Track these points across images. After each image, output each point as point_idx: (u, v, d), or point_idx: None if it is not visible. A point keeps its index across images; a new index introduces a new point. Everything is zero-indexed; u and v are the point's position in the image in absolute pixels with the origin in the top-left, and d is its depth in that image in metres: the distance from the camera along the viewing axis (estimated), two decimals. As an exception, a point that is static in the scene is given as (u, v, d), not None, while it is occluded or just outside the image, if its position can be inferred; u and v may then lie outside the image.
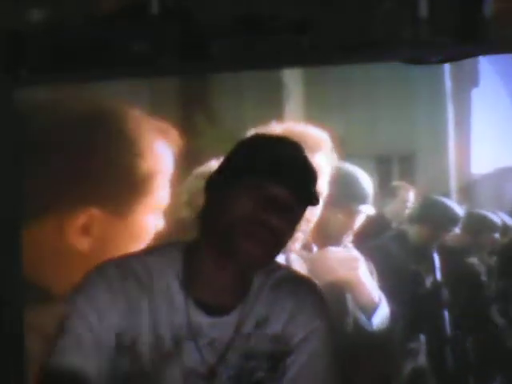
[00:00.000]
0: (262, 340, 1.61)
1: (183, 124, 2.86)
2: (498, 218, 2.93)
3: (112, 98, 2.87)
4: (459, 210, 2.92)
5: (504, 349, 2.88)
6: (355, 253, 2.89)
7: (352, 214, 2.89)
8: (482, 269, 2.94)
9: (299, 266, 2.86)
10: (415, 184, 2.97)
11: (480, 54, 2.67)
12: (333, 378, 1.66)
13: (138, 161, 2.82)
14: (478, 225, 2.93)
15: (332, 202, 2.82)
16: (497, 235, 2.94)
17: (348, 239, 2.91)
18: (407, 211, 3.01)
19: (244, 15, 2.68)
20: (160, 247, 1.71)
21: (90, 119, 2.85)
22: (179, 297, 1.59)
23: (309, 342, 1.63)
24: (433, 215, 2.95)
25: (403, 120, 2.89)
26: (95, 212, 2.81)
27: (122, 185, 2.83)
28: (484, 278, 2.94)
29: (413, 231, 2.99)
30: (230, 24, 2.67)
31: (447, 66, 2.82)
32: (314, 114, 2.85)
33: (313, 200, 1.58)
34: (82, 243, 2.83)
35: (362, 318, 2.86)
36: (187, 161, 2.83)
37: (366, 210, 2.89)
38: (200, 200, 1.64)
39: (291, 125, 2.84)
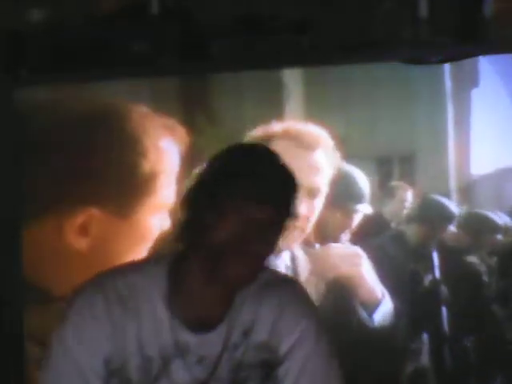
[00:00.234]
0: (249, 349, 1.60)
1: (183, 124, 2.86)
2: (499, 218, 2.93)
3: (112, 98, 2.87)
4: (454, 208, 2.92)
5: (505, 349, 2.88)
6: (358, 249, 2.89)
7: (350, 213, 2.90)
8: (482, 268, 2.94)
9: (304, 262, 2.87)
10: (415, 184, 2.97)
11: (480, 54, 2.67)
12: (333, 371, 1.65)
13: (141, 160, 2.80)
14: (478, 225, 2.93)
15: (330, 201, 2.83)
16: (498, 235, 2.94)
17: (346, 238, 2.91)
18: (405, 211, 3.01)
19: (244, 15, 2.68)
20: (144, 264, 1.67)
21: (91, 119, 2.84)
22: (165, 316, 1.58)
23: (300, 348, 1.61)
24: (428, 214, 2.95)
25: (403, 120, 2.89)
26: (95, 212, 2.80)
27: (124, 184, 2.81)
28: (484, 277, 2.93)
29: (410, 230, 2.99)
30: (229, 24, 2.67)
31: (447, 66, 2.82)
32: (314, 114, 2.85)
33: (293, 214, 1.56)
34: (81, 243, 2.82)
35: (364, 314, 2.86)
36: (187, 161, 2.83)
37: (364, 209, 2.90)
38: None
39: (291, 123, 2.84)
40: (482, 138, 2.86)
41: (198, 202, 1.55)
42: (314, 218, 2.84)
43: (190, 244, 1.57)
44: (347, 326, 2.86)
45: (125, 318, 1.57)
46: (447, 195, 2.92)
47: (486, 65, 2.81)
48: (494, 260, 2.96)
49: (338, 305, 2.87)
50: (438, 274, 2.93)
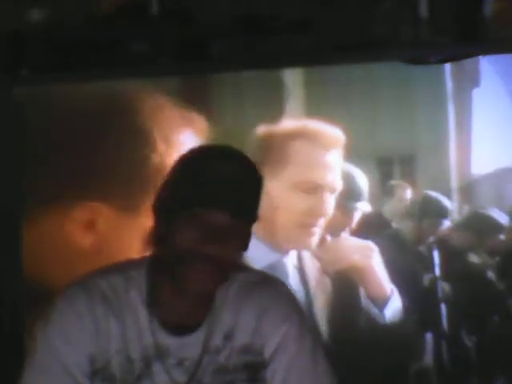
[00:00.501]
0: (233, 353, 1.60)
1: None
2: (500, 217, 2.93)
3: (112, 98, 2.86)
4: (448, 203, 2.91)
5: (507, 349, 2.88)
6: (370, 243, 2.88)
7: (349, 211, 2.90)
8: (484, 268, 2.94)
9: (310, 263, 2.88)
10: (416, 184, 2.97)
11: (480, 54, 2.67)
12: (320, 367, 1.63)
13: (151, 154, 2.77)
14: (480, 224, 2.93)
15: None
16: (500, 235, 2.94)
17: (345, 235, 2.92)
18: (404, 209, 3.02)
19: (244, 15, 2.68)
20: (127, 266, 1.66)
21: (96, 114, 2.83)
22: (145, 319, 1.58)
23: (283, 351, 1.61)
24: (423, 210, 2.95)
25: (404, 120, 2.88)
26: (100, 207, 2.79)
27: (132, 178, 2.78)
28: (486, 277, 2.93)
29: (408, 228, 2.99)
30: (229, 24, 2.67)
31: (447, 66, 2.82)
32: (313, 114, 2.85)
33: (255, 218, 1.55)
34: (85, 240, 2.82)
35: (374, 310, 2.85)
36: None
37: (363, 207, 2.90)
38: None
39: (307, 122, 2.84)
40: (483, 137, 2.86)
41: (158, 209, 1.57)
42: (329, 215, 2.85)
43: (159, 249, 1.58)
44: (357, 323, 2.85)
45: (109, 318, 1.58)
46: (448, 195, 2.91)
47: (487, 65, 2.81)
48: (495, 259, 2.96)
49: (348, 301, 2.87)
50: (437, 272, 2.93)
